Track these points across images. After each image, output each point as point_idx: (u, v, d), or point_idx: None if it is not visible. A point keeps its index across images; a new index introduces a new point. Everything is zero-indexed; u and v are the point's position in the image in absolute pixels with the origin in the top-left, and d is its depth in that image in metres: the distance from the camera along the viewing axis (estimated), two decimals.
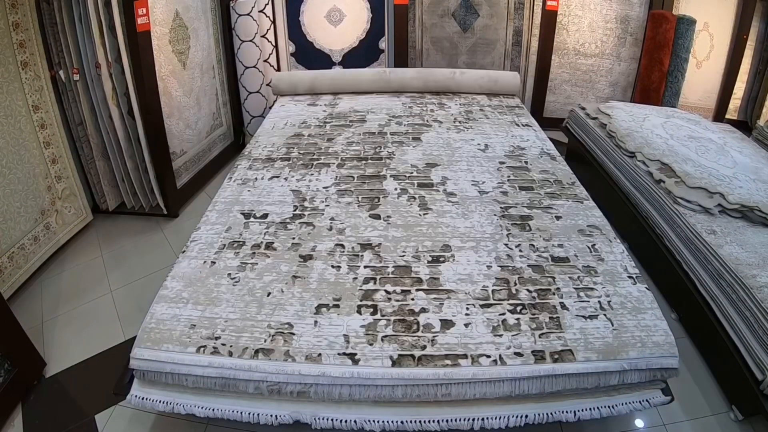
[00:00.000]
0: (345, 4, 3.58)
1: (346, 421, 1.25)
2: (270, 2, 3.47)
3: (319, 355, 1.26)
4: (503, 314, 1.38)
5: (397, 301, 1.42)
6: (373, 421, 1.24)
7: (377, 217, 1.79)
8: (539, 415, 1.26)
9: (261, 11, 3.40)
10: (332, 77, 3.17)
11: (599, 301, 1.42)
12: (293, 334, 1.32)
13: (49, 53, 2.34)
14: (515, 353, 1.27)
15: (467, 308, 1.39)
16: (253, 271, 1.53)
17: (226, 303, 1.41)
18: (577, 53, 3.75)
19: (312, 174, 2.09)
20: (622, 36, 3.67)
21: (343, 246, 1.64)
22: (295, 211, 1.84)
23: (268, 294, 1.44)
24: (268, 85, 3.56)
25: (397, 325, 1.34)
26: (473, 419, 1.24)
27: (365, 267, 1.54)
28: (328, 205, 1.87)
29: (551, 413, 1.26)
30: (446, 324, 1.34)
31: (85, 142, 2.57)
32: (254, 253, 1.61)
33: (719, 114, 3.75)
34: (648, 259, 2.30)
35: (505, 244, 1.66)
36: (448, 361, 1.25)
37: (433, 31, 3.74)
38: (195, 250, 1.64)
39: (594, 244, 1.67)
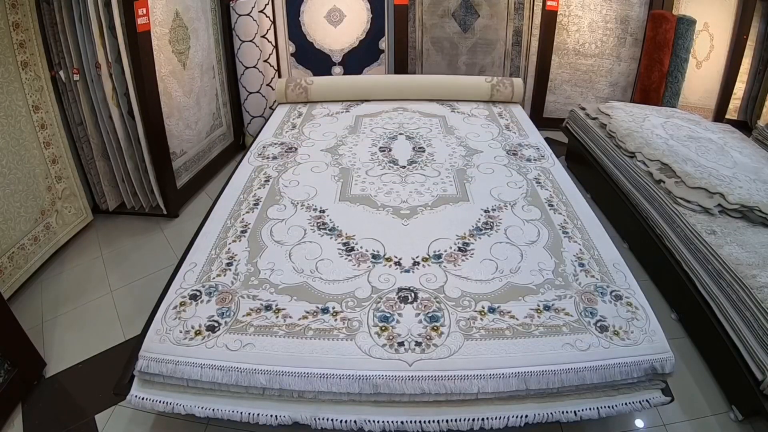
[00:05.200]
0: (345, 4, 3.58)
1: (346, 422, 1.25)
2: (270, 2, 3.47)
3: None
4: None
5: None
6: (373, 421, 1.24)
7: None
8: (539, 415, 1.26)
9: (261, 11, 3.41)
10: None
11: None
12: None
13: (49, 53, 2.34)
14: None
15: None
16: None
17: None
18: (577, 53, 3.75)
19: None
20: (622, 36, 3.67)
21: None
22: None
23: None
24: (268, 85, 3.57)
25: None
26: (473, 419, 1.24)
27: None
28: None
29: (551, 413, 1.26)
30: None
31: (85, 142, 2.57)
32: None
33: (719, 114, 3.76)
34: (648, 259, 2.30)
35: None
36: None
37: (433, 31, 3.74)
38: None
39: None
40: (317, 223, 1.79)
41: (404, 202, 1.92)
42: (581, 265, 1.58)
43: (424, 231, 1.74)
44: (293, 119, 2.76)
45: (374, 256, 1.60)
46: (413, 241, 1.68)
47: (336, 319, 1.36)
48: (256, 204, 1.93)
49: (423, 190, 2.01)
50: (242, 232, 1.75)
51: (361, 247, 1.65)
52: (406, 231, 1.74)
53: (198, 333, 1.33)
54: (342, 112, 2.80)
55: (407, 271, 1.54)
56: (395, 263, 1.57)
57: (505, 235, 1.72)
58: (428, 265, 1.57)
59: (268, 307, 1.40)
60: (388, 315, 1.37)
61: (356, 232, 1.73)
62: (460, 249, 1.64)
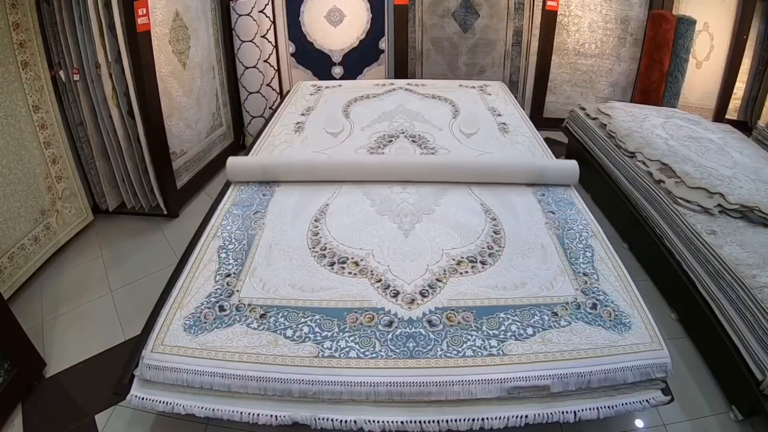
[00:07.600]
0: (345, 4, 3.59)
1: (346, 422, 1.25)
2: (270, 2, 3.47)
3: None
4: None
5: None
6: (373, 421, 1.24)
7: None
8: (539, 415, 1.26)
9: (261, 11, 3.41)
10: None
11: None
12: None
13: (49, 53, 2.34)
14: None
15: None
16: None
17: None
18: (577, 53, 3.75)
19: None
20: (622, 36, 3.67)
21: None
22: None
23: None
24: (268, 85, 3.57)
25: None
26: (473, 419, 1.24)
27: None
28: None
29: (551, 413, 1.26)
30: None
31: (85, 142, 2.57)
32: None
33: (719, 114, 3.76)
34: (648, 259, 2.30)
35: None
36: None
37: (433, 31, 3.74)
38: None
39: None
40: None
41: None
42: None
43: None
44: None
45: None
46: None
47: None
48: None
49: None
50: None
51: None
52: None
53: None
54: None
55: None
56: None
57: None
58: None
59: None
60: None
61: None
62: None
